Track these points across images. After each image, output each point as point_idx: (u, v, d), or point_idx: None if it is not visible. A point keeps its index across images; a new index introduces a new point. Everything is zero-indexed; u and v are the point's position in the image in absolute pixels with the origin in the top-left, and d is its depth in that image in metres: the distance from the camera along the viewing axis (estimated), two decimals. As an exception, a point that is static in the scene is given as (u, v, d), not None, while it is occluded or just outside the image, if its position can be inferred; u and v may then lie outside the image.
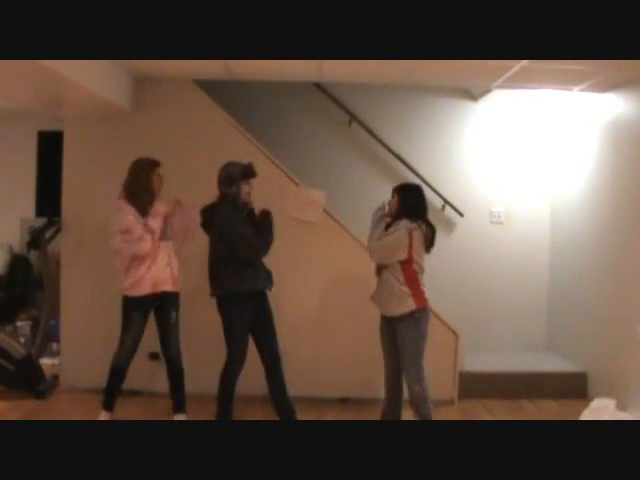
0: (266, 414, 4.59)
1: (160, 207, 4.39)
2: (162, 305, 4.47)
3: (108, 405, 4.45)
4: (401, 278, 4.08)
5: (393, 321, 4.15)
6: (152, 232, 4.32)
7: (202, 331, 5.04)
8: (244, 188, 4.26)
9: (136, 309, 4.40)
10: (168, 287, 4.41)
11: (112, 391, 4.46)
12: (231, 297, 4.25)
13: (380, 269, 4.22)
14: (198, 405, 4.69)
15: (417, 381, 4.08)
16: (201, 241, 4.41)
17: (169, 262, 4.42)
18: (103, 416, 4.43)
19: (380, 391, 4.47)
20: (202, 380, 4.70)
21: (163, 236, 4.42)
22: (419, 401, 4.10)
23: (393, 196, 4.26)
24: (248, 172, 4.28)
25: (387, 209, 4.28)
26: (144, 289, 4.34)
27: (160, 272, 4.37)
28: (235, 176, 4.25)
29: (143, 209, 4.33)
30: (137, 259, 4.32)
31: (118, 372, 4.43)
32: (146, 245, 4.29)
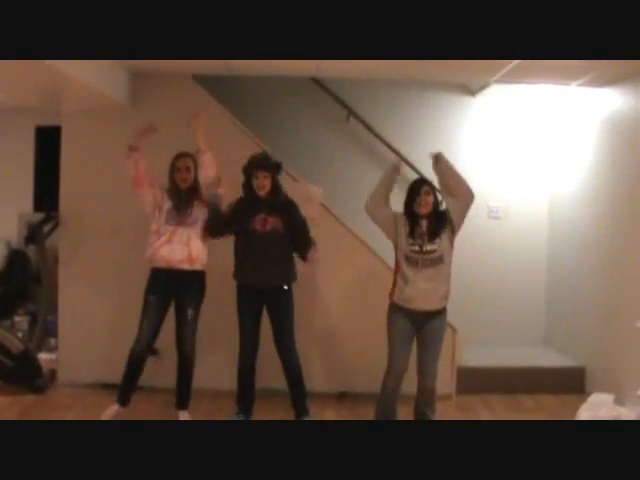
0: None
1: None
2: (180, 300, 4.44)
3: (121, 399, 4.40)
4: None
5: (426, 315, 4.08)
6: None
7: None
8: (254, 181, 4.30)
9: (153, 292, 4.41)
10: (185, 265, 4.38)
11: (125, 382, 4.41)
12: (237, 286, 4.41)
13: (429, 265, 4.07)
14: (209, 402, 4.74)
15: (434, 376, 4.13)
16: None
17: (187, 243, 4.37)
18: (114, 409, 4.37)
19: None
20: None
21: (183, 222, 4.40)
22: (433, 395, 4.18)
23: (428, 193, 4.10)
24: (248, 164, 4.33)
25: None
26: (158, 262, 4.38)
27: (176, 252, 4.34)
28: (244, 169, 4.34)
29: (177, 206, 4.41)
30: (155, 234, 4.40)
31: (132, 361, 4.39)
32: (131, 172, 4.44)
